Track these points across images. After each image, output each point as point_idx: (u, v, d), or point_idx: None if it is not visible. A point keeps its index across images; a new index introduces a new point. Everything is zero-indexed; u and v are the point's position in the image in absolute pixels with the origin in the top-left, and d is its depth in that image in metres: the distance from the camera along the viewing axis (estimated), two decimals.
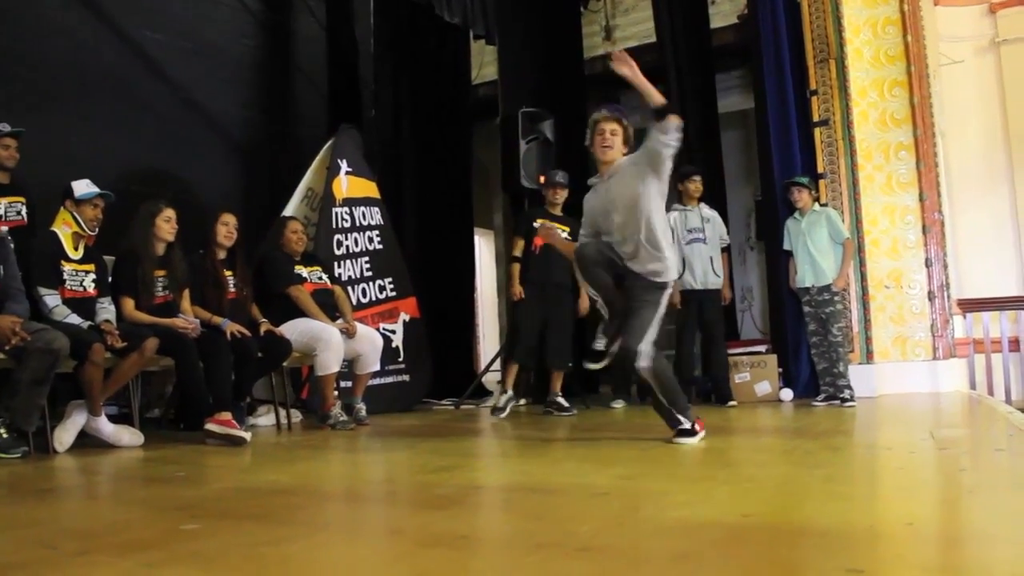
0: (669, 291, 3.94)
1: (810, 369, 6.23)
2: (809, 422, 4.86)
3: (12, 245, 4.16)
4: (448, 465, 3.45)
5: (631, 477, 2.94)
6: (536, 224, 5.79)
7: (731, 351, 6.43)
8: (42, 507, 2.73)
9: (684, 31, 7.73)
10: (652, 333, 3.78)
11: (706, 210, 6.48)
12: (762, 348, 6.72)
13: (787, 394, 6.27)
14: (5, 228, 4.39)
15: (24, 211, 4.60)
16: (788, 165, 6.59)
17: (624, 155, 4.04)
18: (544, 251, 5.77)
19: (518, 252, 6.01)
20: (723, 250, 6.48)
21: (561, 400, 5.90)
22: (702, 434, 3.79)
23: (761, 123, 6.91)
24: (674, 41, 7.70)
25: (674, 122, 3.77)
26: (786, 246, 6.24)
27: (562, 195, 6.01)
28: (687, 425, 3.77)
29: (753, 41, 7.01)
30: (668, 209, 6.52)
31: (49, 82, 5.42)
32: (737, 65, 8.68)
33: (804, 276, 6.05)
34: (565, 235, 5.71)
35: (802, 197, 6.14)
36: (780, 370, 6.39)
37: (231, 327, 4.69)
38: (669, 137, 3.80)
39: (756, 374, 6.36)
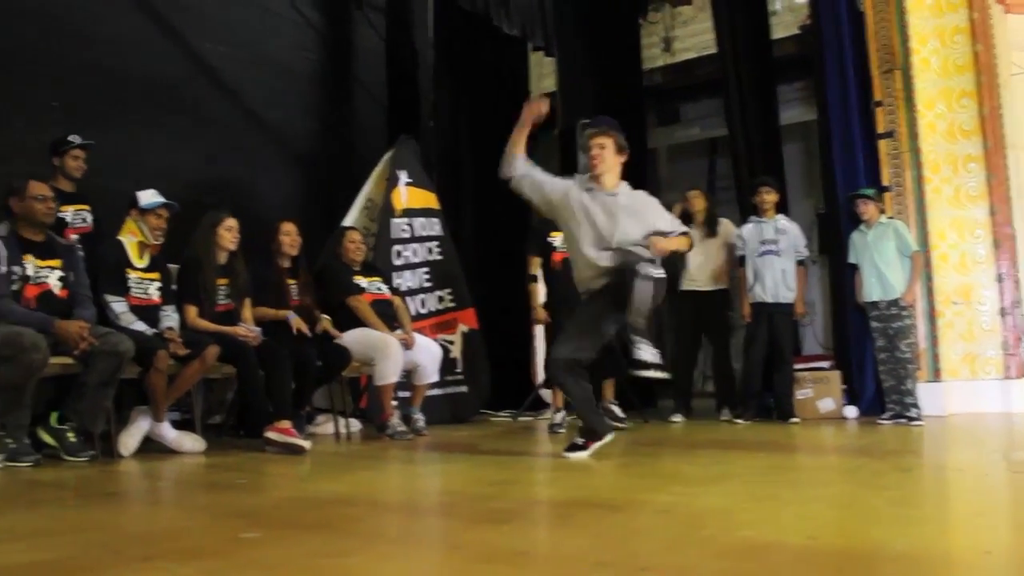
0: None
1: (875, 386, 6.08)
2: (875, 441, 4.74)
3: (81, 253, 4.27)
4: (506, 478, 3.43)
5: (693, 494, 2.89)
6: (550, 239, 5.70)
7: (794, 366, 6.30)
8: (107, 511, 2.78)
9: (745, 42, 7.64)
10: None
11: (782, 221, 6.32)
12: (825, 364, 6.58)
13: (851, 411, 6.12)
14: (75, 236, 4.51)
15: (89, 218, 4.71)
16: (852, 178, 6.45)
17: (620, 163, 4.10)
18: (566, 265, 5.47)
19: (535, 270, 5.85)
20: (799, 263, 6.29)
21: (615, 408, 5.81)
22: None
23: (824, 135, 6.78)
24: (734, 52, 7.61)
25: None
26: (851, 259, 6.10)
27: None
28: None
29: (816, 52, 6.89)
30: (744, 221, 6.44)
31: (115, 94, 5.55)
32: (799, 76, 8.55)
33: (871, 290, 5.91)
34: None
35: (868, 209, 6.01)
36: (844, 387, 6.24)
37: (296, 322, 4.74)
38: None
39: (819, 390, 6.22)
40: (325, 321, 5.09)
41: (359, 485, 3.37)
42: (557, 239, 5.66)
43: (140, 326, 4.25)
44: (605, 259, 3.92)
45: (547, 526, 2.53)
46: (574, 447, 3.93)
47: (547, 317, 5.76)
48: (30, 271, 3.94)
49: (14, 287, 3.86)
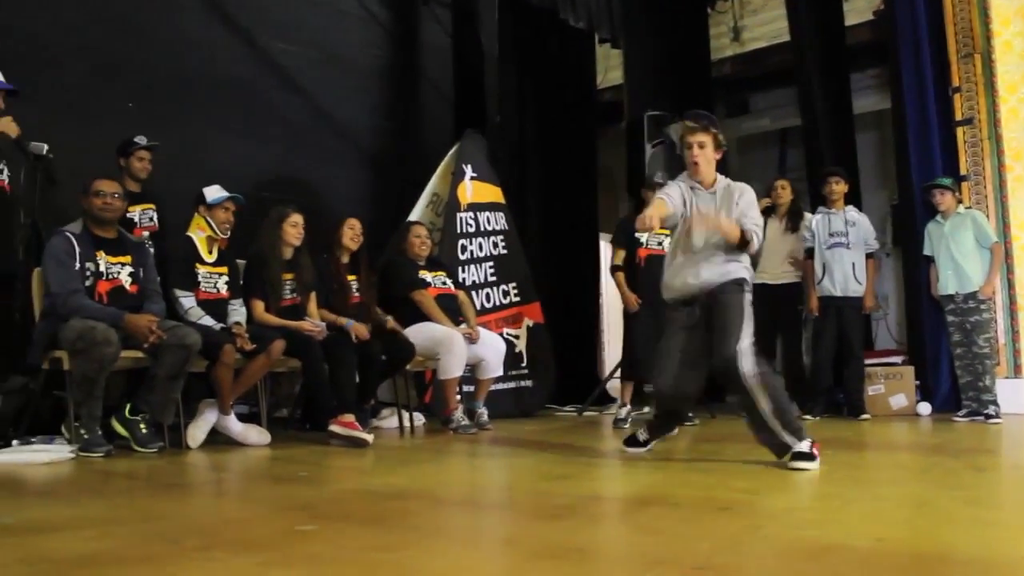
0: (749, 295, 3.62)
1: (951, 382, 5.89)
2: (950, 439, 4.59)
3: (152, 250, 4.38)
4: (567, 473, 3.40)
5: (755, 492, 2.82)
6: (637, 234, 5.56)
7: (865, 362, 6.14)
8: (171, 501, 2.83)
9: (816, 30, 7.46)
10: (747, 334, 3.45)
11: (852, 213, 6.17)
12: (898, 359, 6.40)
13: (925, 408, 5.95)
14: (145, 234, 4.62)
15: (155, 217, 4.82)
16: (927, 167, 6.26)
17: (716, 159, 3.82)
18: (649, 263, 5.44)
19: (619, 261, 5.70)
20: (868, 256, 6.14)
21: None
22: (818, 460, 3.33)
23: (899, 123, 6.59)
24: (807, 40, 7.43)
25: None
26: (926, 251, 5.92)
27: None
28: (804, 448, 3.34)
29: (890, 38, 6.70)
30: (813, 212, 6.30)
31: (184, 93, 5.64)
32: (873, 64, 8.33)
33: (947, 283, 5.73)
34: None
35: (945, 200, 5.82)
36: (917, 383, 6.06)
37: (356, 328, 4.77)
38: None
39: (891, 386, 6.06)
40: (390, 320, 5.11)
41: (420, 479, 3.38)
42: (644, 235, 5.51)
43: (208, 321, 4.33)
44: (697, 263, 3.68)
45: (605, 523, 2.50)
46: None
47: (638, 300, 5.56)
48: (102, 267, 4.04)
49: (87, 283, 3.97)
